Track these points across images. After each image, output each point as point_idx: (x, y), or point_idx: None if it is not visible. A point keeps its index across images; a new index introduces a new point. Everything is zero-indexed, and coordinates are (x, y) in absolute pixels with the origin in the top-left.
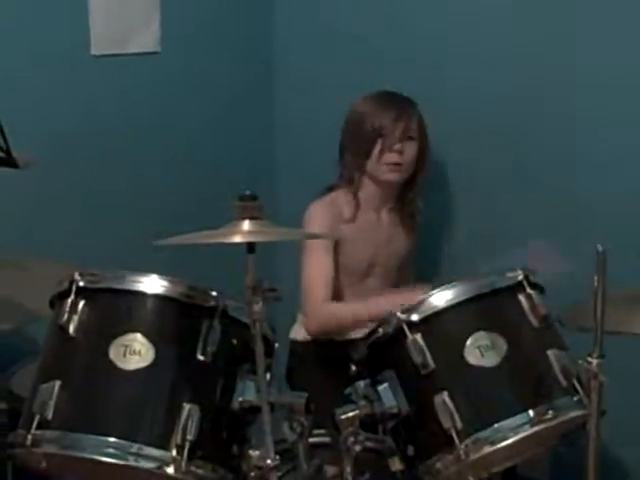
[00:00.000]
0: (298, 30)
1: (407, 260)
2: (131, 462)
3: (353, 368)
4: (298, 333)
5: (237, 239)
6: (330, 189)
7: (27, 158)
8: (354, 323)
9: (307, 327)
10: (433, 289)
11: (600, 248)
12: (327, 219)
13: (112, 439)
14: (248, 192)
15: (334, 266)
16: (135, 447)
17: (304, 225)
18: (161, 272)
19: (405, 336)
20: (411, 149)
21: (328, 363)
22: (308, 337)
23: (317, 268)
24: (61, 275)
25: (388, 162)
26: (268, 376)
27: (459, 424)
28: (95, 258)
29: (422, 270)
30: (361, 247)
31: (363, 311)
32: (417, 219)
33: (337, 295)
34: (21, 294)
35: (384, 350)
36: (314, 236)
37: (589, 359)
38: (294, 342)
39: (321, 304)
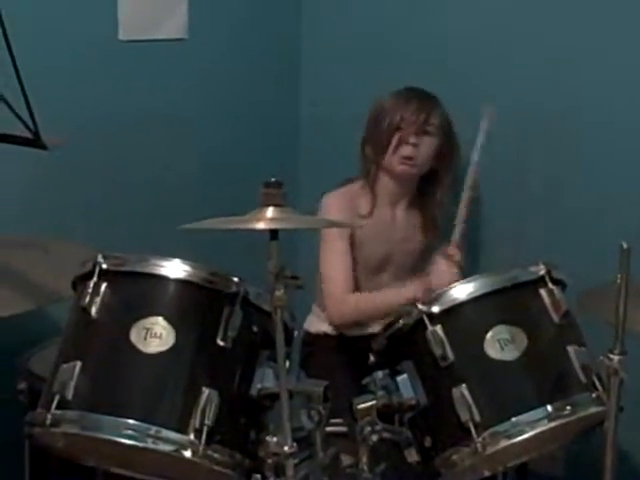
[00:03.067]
0: (326, 18)
1: (425, 258)
2: (149, 444)
3: (372, 358)
4: (312, 325)
5: (261, 226)
6: (348, 181)
7: (55, 140)
8: (373, 311)
9: (330, 318)
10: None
11: (625, 245)
12: (343, 210)
13: (131, 421)
14: (273, 179)
15: (352, 258)
16: (153, 430)
17: (320, 214)
18: (184, 257)
19: (425, 328)
20: (427, 145)
21: (343, 355)
22: (320, 330)
23: (337, 259)
24: (83, 257)
25: (402, 155)
26: (287, 364)
27: (477, 417)
28: (119, 241)
29: None
30: (375, 244)
31: (384, 301)
32: (438, 218)
33: (354, 289)
34: (43, 275)
35: (404, 341)
36: (337, 224)
37: (610, 355)
38: (307, 333)
39: (344, 294)
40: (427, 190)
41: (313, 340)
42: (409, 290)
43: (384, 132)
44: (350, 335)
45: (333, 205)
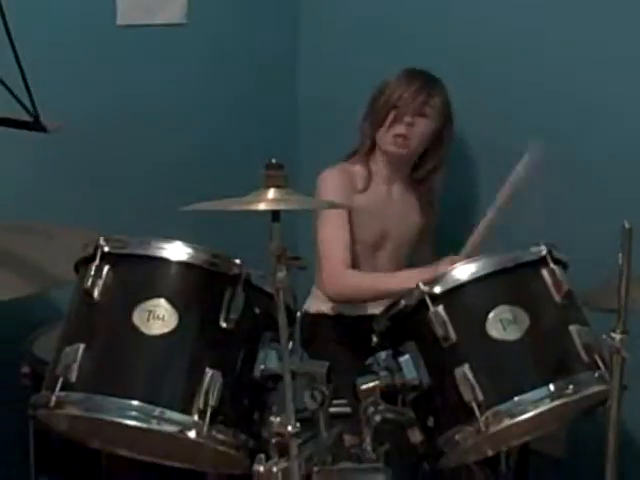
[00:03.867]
0: (326, 2)
1: (422, 237)
2: (153, 425)
3: (375, 339)
4: (311, 306)
5: (262, 207)
6: (347, 157)
7: (55, 123)
8: (374, 292)
9: (327, 292)
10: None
11: (627, 225)
12: (340, 186)
13: (135, 402)
14: (274, 161)
15: (350, 234)
16: (157, 411)
17: (317, 191)
18: (186, 239)
19: (427, 308)
20: (422, 126)
21: (342, 336)
22: (320, 310)
23: (335, 233)
24: (85, 241)
25: (394, 133)
26: (290, 345)
27: (480, 396)
28: (120, 224)
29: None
30: (371, 219)
31: (385, 281)
32: (434, 199)
33: (352, 265)
34: (45, 259)
35: (406, 322)
36: (339, 206)
37: (612, 334)
38: (306, 314)
39: (341, 268)
40: (421, 172)
41: (312, 321)
42: (412, 280)
43: (381, 108)
44: (349, 315)
45: (329, 181)
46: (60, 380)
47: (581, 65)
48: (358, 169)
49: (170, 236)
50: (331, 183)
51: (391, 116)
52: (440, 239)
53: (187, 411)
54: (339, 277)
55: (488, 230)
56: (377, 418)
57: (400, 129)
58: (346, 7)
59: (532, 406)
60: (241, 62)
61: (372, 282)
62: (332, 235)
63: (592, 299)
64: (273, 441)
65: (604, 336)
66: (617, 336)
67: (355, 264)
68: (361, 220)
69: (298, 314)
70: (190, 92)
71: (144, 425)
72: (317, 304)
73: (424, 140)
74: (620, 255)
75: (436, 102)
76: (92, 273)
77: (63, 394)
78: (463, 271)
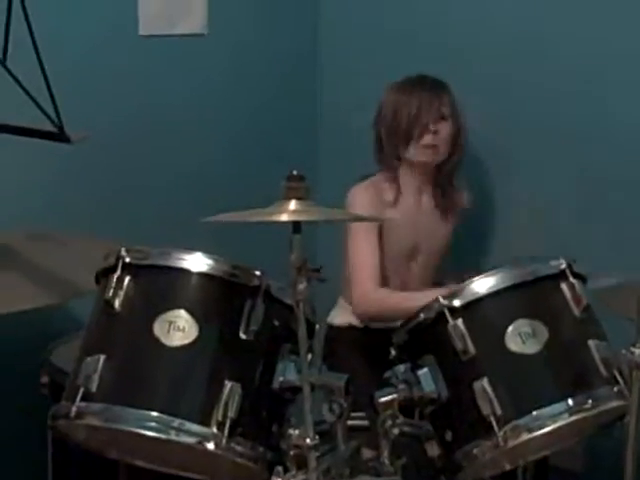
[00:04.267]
0: (345, 12)
1: (448, 246)
2: (172, 436)
3: (393, 352)
4: (336, 318)
5: (284, 218)
6: (367, 177)
7: (79, 134)
8: (402, 311)
9: (356, 313)
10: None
11: None
12: (370, 202)
13: (154, 413)
14: (295, 172)
15: (379, 251)
16: (177, 422)
17: (347, 207)
18: (206, 250)
19: (446, 321)
20: (445, 129)
21: (365, 348)
22: (345, 322)
23: (364, 253)
24: (106, 251)
25: (424, 144)
26: (309, 357)
27: (498, 411)
28: (141, 235)
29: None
30: (403, 232)
31: (414, 299)
32: (457, 201)
33: (382, 281)
34: (65, 270)
35: (425, 335)
36: (360, 218)
37: (632, 349)
38: (331, 327)
39: (371, 290)
40: (444, 175)
41: (337, 334)
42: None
43: (403, 124)
44: (375, 327)
45: (360, 198)
46: (81, 390)
47: (582, 64)
48: (386, 185)
49: (191, 247)
50: (360, 199)
51: (416, 129)
52: None
53: (206, 423)
54: (369, 298)
55: None
56: (395, 431)
57: (428, 139)
58: (366, 15)
59: (550, 421)
60: (261, 72)
61: (401, 301)
62: (361, 257)
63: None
64: (291, 453)
65: (623, 351)
66: (637, 351)
67: (386, 278)
68: (392, 233)
69: (317, 326)
70: (211, 102)
71: (163, 436)
72: (344, 315)
73: (449, 142)
74: None
75: (447, 101)
76: (113, 284)
77: (84, 404)
78: (482, 284)
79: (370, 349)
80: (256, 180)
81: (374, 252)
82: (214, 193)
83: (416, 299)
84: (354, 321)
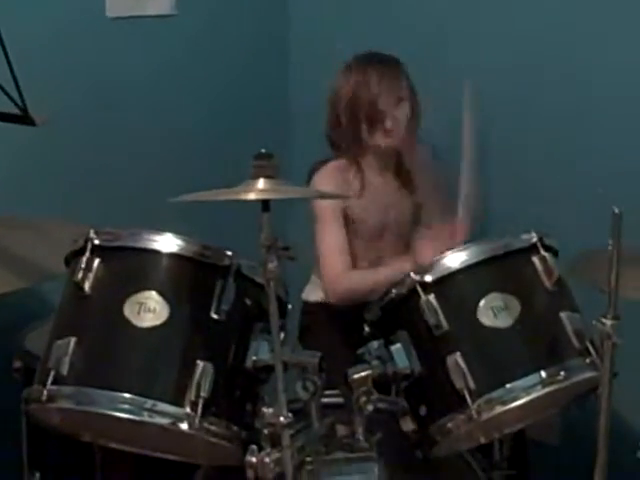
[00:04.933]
0: None
1: (416, 217)
2: (145, 418)
3: (366, 329)
4: (310, 294)
5: (252, 197)
6: (327, 161)
7: (43, 116)
8: (374, 289)
9: (330, 298)
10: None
11: (616, 210)
12: (335, 184)
13: (127, 395)
14: (264, 151)
15: (346, 233)
16: (149, 403)
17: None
18: (176, 231)
19: (419, 297)
20: (404, 111)
21: (341, 325)
22: (319, 299)
23: (331, 239)
24: (76, 234)
25: (385, 129)
26: (282, 335)
27: (471, 384)
28: (110, 217)
29: None
30: (371, 214)
31: (382, 277)
32: (414, 177)
33: (353, 262)
34: (35, 254)
35: (397, 311)
36: (328, 195)
37: (603, 320)
38: (306, 303)
39: (340, 275)
40: (405, 153)
41: (312, 309)
42: (403, 268)
43: (362, 110)
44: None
45: (326, 181)
46: (52, 374)
47: (574, 48)
48: (350, 168)
49: (161, 228)
50: (326, 183)
51: (378, 115)
52: None
53: (179, 403)
54: (338, 283)
55: (470, 185)
56: (369, 407)
57: (388, 124)
58: None
59: (524, 393)
60: (231, 51)
61: (368, 277)
62: (328, 243)
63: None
64: (265, 432)
65: (594, 322)
66: (608, 322)
67: (357, 258)
68: (360, 217)
69: (290, 306)
70: (181, 83)
71: (136, 417)
72: (317, 292)
73: (407, 121)
74: (610, 241)
75: (403, 81)
76: (83, 266)
77: (55, 388)
78: (454, 259)
79: (345, 326)
80: (228, 160)
81: (340, 238)
82: (184, 174)
83: (382, 273)
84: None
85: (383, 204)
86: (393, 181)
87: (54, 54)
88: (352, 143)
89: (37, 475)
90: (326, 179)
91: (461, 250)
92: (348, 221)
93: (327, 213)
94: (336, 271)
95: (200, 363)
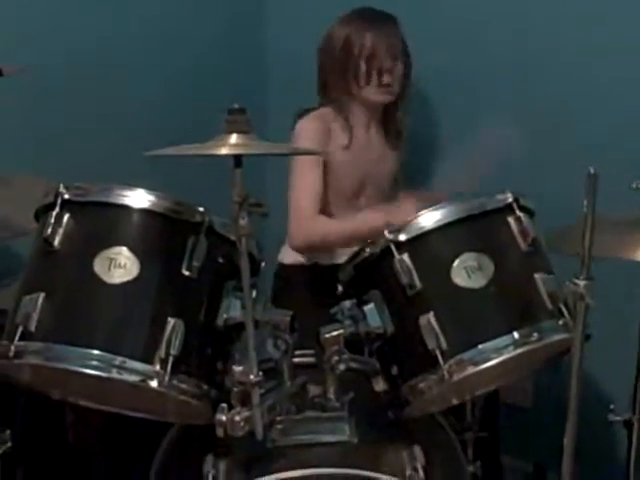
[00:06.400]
0: None
1: (398, 175)
2: (114, 375)
3: (340, 288)
4: (285, 256)
5: (223, 151)
6: (311, 110)
7: (12, 68)
8: (341, 239)
9: (293, 242)
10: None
11: (592, 170)
12: (317, 134)
13: (96, 351)
14: (236, 105)
15: (323, 183)
16: (119, 360)
17: (293, 141)
18: (149, 187)
19: (392, 256)
20: (399, 68)
21: (315, 286)
22: (296, 261)
23: (305, 182)
24: (46, 189)
25: (380, 84)
26: (254, 294)
27: (444, 345)
28: (81, 172)
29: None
30: (353, 168)
31: (350, 225)
32: (404, 137)
33: (328, 215)
34: (5, 210)
35: (371, 270)
36: (302, 152)
37: (576, 281)
38: (281, 265)
39: (308, 218)
40: (390, 111)
41: (286, 272)
42: (374, 218)
43: (357, 62)
44: (326, 264)
45: (308, 130)
46: (19, 329)
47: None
48: (336, 119)
49: (133, 184)
50: (307, 131)
51: (368, 67)
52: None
53: (149, 360)
54: (304, 226)
55: None
56: (341, 367)
57: (386, 79)
58: None
59: (496, 354)
60: (208, 6)
61: (338, 225)
62: (302, 185)
63: (554, 243)
64: (235, 390)
65: (567, 282)
66: (581, 282)
67: (334, 213)
68: (343, 171)
69: (263, 264)
70: (157, 39)
71: (105, 374)
72: (293, 254)
73: (401, 80)
74: (585, 201)
75: (399, 39)
76: (52, 221)
77: (22, 344)
78: (428, 218)
79: (319, 286)
80: (204, 116)
81: (315, 183)
82: (159, 130)
83: (351, 222)
84: (303, 259)
85: (364, 159)
86: (378, 137)
87: (26, 7)
88: (340, 95)
89: (7, 432)
90: (310, 126)
91: (436, 209)
92: (327, 172)
93: (305, 158)
94: (305, 214)
95: (171, 320)
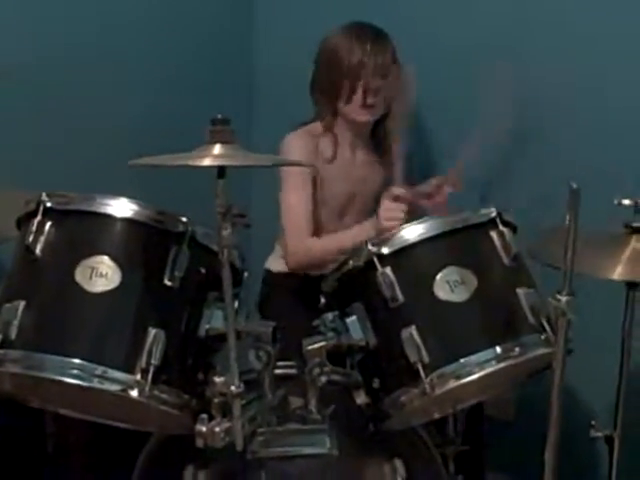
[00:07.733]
0: None
1: (384, 189)
2: (95, 384)
3: (322, 300)
4: (273, 264)
5: (206, 162)
6: (305, 124)
7: None
8: (339, 255)
9: (288, 263)
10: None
11: (574, 186)
12: (304, 149)
13: (77, 360)
14: (220, 116)
15: (313, 200)
16: (100, 369)
17: (280, 154)
18: (132, 196)
19: (375, 269)
20: (387, 89)
21: (300, 296)
22: (282, 269)
23: (296, 203)
24: (29, 197)
25: (363, 104)
26: (236, 304)
27: (425, 358)
28: (63, 181)
29: None
30: (339, 185)
31: (349, 242)
32: (394, 152)
33: (316, 231)
34: None
35: (353, 283)
36: (287, 163)
37: (558, 296)
38: (268, 272)
39: (302, 240)
40: (381, 126)
41: (274, 279)
42: (361, 233)
43: (342, 80)
44: (312, 275)
45: (295, 145)
46: None
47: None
48: (323, 134)
49: (116, 193)
50: (294, 147)
51: (358, 88)
52: None
53: (129, 370)
54: (299, 248)
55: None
56: (323, 379)
57: (370, 100)
58: None
59: (478, 368)
60: (196, 13)
61: (326, 243)
62: (293, 207)
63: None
64: (216, 401)
65: (550, 298)
66: (563, 298)
67: (321, 228)
68: (327, 185)
69: (246, 274)
70: (140, 44)
71: (85, 384)
72: (280, 261)
73: (390, 98)
74: (567, 216)
75: (390, 57)
76: (34, 229)
77: (2, 352)
78: (411, 231)
79: (306, 296)
80: (189, 126)
81: (306, 201)
82: (143, 139)
83: (344, 239)
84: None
85: (351, 176)
86: (365, 155)
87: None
88: (326, 111)
89: None
90: (297, 142)
91: (419, 223)
92: (316, 188)
93: (295, 177)
94: (299, 236)
95: (152, 330)
